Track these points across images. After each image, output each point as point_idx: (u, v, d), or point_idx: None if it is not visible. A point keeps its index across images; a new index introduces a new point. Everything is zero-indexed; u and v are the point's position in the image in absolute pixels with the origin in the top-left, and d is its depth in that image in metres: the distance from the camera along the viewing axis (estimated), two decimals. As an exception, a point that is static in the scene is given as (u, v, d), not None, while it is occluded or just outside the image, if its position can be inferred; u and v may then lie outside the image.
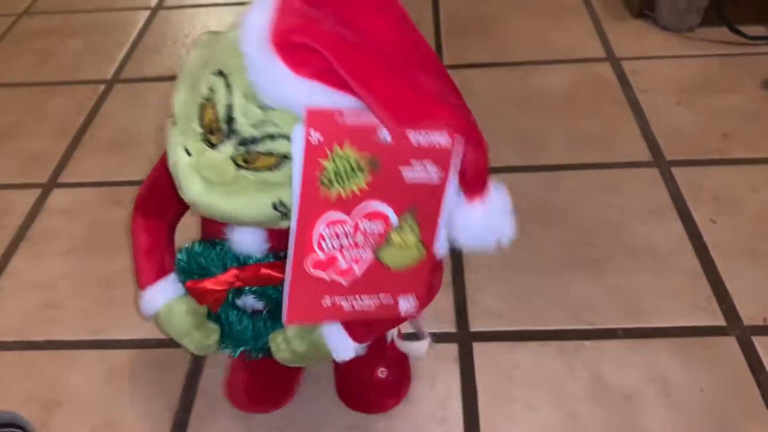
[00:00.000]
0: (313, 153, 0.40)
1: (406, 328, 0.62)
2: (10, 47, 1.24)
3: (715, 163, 0.88)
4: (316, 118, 0.40)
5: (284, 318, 0.47)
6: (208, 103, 0.42)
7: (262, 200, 0.43)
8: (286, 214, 0.44)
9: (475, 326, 0.70)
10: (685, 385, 0.64)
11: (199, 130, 0.43)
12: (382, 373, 0.63)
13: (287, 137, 0.41)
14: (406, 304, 0.48)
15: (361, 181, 0.42)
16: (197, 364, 0.69)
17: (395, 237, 0.45)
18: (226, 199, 0.43)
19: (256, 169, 0.42)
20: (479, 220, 0.45)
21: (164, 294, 0.53)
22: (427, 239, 0.45)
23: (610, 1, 1.23)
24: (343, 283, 0.46)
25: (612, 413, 0.62)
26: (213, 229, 0.51)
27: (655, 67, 1.06)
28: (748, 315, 0.69)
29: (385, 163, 0.42)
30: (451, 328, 0.70)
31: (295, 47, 0.39)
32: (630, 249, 0.77)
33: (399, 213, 0.44)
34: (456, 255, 0.77)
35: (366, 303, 0.47)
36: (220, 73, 0.42)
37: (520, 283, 0.74)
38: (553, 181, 0.87)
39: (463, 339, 0.69)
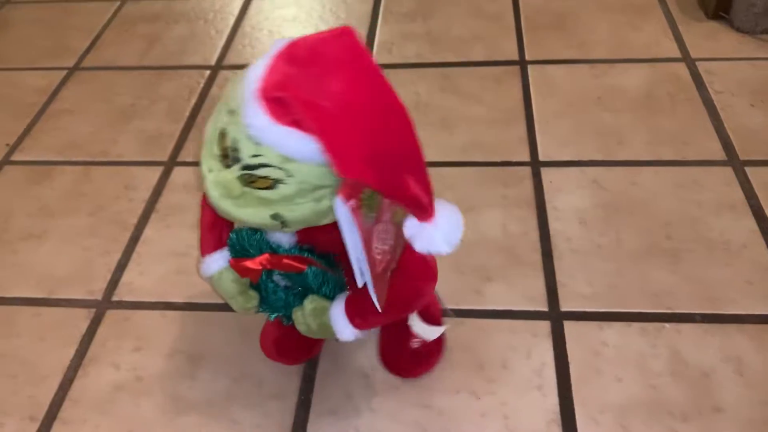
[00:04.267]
0: (354, 213, 0.51)
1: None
2: (119, 31, 1.34)
3: (788, 164, 0.94)
4: (346, 189, 0.51)
5: (378, 306, 0.58)
6: (224, 131, 0.53)
7: (262, 212, 0.53)
8: (284, 223, 0.54)
9: (565, 306, 0.79)
10: (758, 366, 0.71)
11: (218, 152, 0.53)
12: (414, 344, 0.72)
13: (276, 167, 0.51)
14: None
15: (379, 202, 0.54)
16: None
17: None
18: (236, 209, 0.54)
19: (257, 188, 0.52)
20: (430, 236, 0.56)
21: (218, 263, 0.65)
22: None
23: (684, 2, 1.28)
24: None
25: (690, 387, 0.70)
26: None
27: (730, 68, 1.12)
28: (816, 306, 0.77)
29: None
30: (543, 308, 0.79)
31: (275, 100, 0.49)
32: (706, 241, 0.85)
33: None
34: (545, 244, 0.86)
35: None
36: (232, 111, 0.52)
37: (604, 269, 0.82)
38: (631, 176, 0.95)
39: (555, 318, 0.78)
